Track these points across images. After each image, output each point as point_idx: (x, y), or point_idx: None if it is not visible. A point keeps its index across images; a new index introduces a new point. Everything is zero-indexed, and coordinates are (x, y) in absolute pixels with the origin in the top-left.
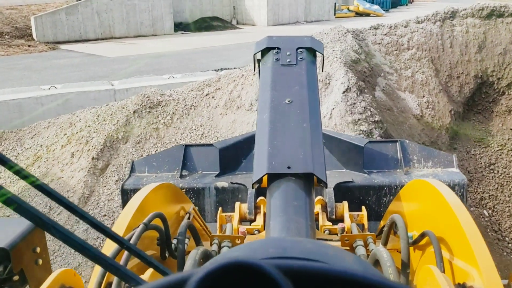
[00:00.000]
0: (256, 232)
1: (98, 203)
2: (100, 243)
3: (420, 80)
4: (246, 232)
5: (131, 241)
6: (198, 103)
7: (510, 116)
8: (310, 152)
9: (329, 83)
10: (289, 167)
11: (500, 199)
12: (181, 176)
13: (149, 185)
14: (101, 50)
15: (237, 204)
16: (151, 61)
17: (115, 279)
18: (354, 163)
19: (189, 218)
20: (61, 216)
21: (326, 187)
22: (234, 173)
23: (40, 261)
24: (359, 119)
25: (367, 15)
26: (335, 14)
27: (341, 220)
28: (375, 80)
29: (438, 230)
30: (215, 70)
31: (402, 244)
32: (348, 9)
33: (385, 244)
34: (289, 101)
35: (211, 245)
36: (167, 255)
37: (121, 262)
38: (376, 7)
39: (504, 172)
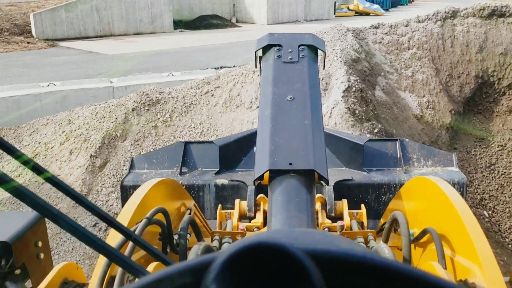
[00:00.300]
0: (255, 229)
1: (96, 201)
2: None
3: (420, 79)
4: (246, 229)
5: None
6: (198, 101)
7: (511, 116)
8: (312, 149)
9: (329, 82)
10: (290, 164)
11: (501, 200)
12: (181, 173)
13: (150, 180)
14: (100, 47)
15: (237, 201)
16: (150, 59)
17: (118, 272)
18: (354, 161)
19: (190, 214)
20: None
21: (328, 184)
22: (234, 170)
23: (42, 255)
24: (359, 118)
25: (367, 14)
26: (335, 13)
27: (341, 218)
28: (375, 79)
29: (440, 227)
30: (215, 68)
31: (404, 241)
32: (348, 8)
33: (385, 241)
34: (290, 98)
35: (212, 241)
36: (168, 250)
37: (126, 254)
38: (376, 6)
39: (505, 172)
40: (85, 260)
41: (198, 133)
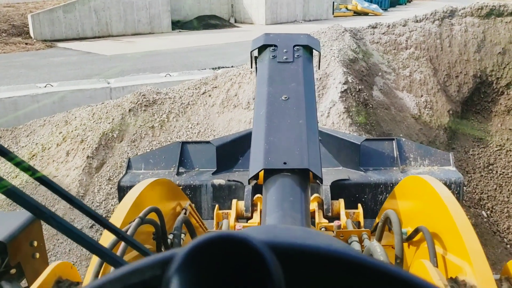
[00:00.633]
0: None
1: (93, 202)
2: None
3: (418, 79)
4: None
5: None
6: (195, 101)
7: (509, 116)
8: (306, 148)
9: (326, 82)
10: (285, 163)
11: (499, 200)
12: (178, 173)
13: (145, 180)
14: (98, 48)
15: (234, 201)
16: (148, 59)
17: (111, 270)
18: (351, 161)
19: (185, 214)
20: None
21: (322, 183)
22: (231, 170)
23: (37, 255)
24: (356, 118)
25: (366, 14)
26: (333, 13)
27: (337, 217)
28: (373, 80)
29: (432, 226)
30: (213, 69)
31: (396, 239)
32: (346, 8)
33: (379, 240)
34: (285, 97)
35: None
36: (163, 249)
37: (118, 254)
38: (374, 6)
39: (503, 172)
40: (82, 262)
41: (195, 133)
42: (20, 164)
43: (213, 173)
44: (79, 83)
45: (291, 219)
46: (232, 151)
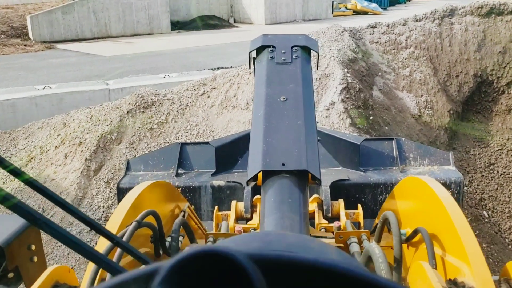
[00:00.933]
0: (252, 230)
1: (91, 205)
2: (93, 245)
3: (418, 79)
4: (242, 230)
5: (124, 238)
6: (194, 102)
7: (510, 115)
8: (305, 149)
9: (326, 82)
10: (283, 164)
11: (500, 200)
12: (177, 175)
13: (143, 183)
14: (97, 49)
15: (234, 202)
16: (147, 60)
17: (108, 276)
18: (350, 161)
19: (184, 216)
20: (53, 218)
21: (320, 184)
22: (230, 171)
23: (35, 259)
24: (355, 118)
25: (365, 13)
26: (332, 13)
27: (337, 218)
28: (373, 80)
29: (431, 227)
30: (212, 69)
31: (395, 241)
32: (346, 7)
33: (378, 241)
34: (283, 98)
35: (205, 242)
36: (161, 252)
37: (114, 259)
38: (374, 5)
39: (504, 172)
40: (80, 265)
41: (194, 134)
42: (14, 171)
43: (212, 174)
44: (77, 84)
45: (289, 221)
46: (231, 152)
